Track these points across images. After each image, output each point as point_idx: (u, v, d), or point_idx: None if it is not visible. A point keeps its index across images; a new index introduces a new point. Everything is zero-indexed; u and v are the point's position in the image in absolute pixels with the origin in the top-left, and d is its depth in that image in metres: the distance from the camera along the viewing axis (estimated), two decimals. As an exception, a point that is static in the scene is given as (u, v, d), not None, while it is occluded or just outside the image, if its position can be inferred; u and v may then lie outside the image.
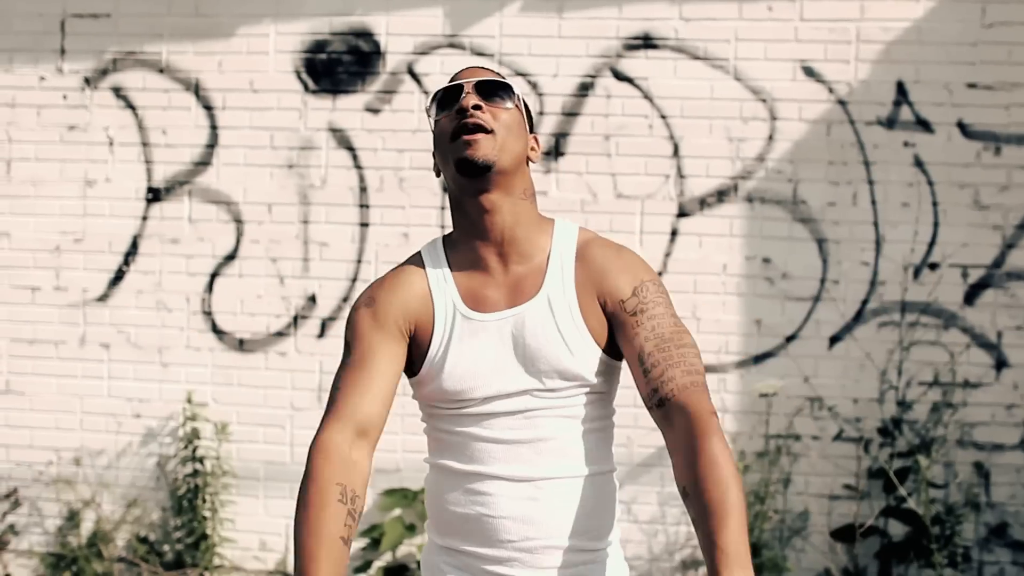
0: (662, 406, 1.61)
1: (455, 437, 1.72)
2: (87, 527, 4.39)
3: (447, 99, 1.74)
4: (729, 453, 1.53)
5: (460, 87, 1.74)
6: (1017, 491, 4.06)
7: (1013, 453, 4.06)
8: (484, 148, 1.68)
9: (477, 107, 1.70)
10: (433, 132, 1.77)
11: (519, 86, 1.83)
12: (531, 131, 1.83)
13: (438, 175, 1.83)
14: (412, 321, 1.73)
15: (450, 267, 1.76)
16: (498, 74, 1.80)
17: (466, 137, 1.68)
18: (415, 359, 1.75)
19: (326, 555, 1.55)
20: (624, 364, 1.75)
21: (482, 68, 1.81)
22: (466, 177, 1.70)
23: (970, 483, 4.04)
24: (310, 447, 1.65)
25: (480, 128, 1.68)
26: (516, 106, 1.76)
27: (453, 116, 1.71)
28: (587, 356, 1.69)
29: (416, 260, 1.80)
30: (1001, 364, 4.05)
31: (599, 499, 1.73)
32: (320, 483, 1.60)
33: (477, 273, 1.74)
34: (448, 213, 4.17)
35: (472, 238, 1.74)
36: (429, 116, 1.78)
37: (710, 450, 1.51)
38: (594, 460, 1.72)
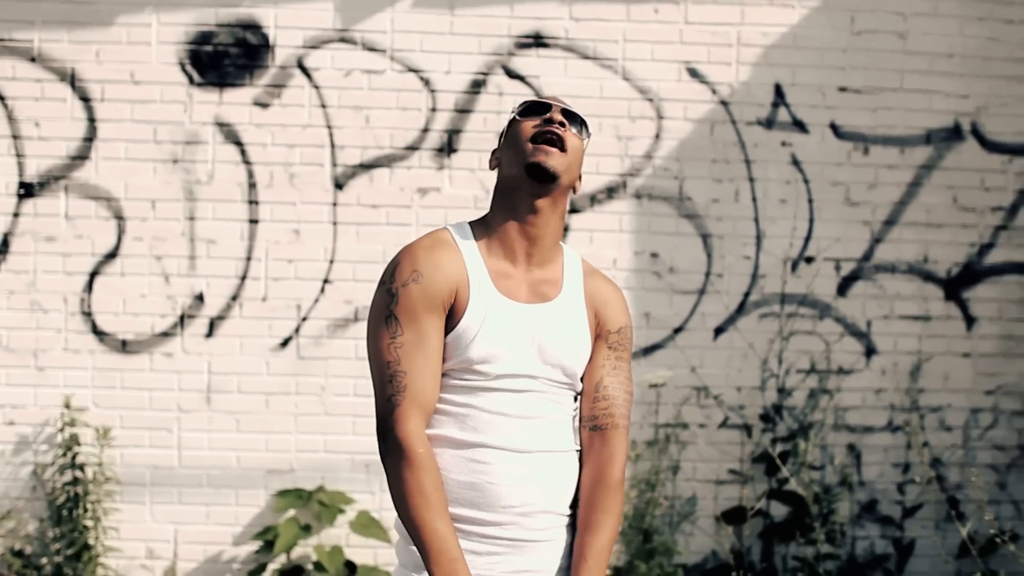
0: (594, 431, 1.95)
1: (460, 408, 1.88)
2: (-45, 542, 4.15)
3: (534, 109, 1.96)
4: (622, 493, 1.94)
5: (549, 105, 1.96)
6: (885, 470, 4.33)
7: (881, 435, 4.33)
8: (556, 161, 1.90)
9: (562, 124, 1.92)
10: (508, 130, 1.98)
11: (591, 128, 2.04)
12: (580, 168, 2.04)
13: (492, 168, 2.01)
14: (453, 293, 1.88)
15: (480, 250, 1.93)
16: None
17: (546, 146, 1.89)
18: (448, 322, 1.89)
19: (452, 531, 1.80)
20: None
21: (567, 103, 2.03)
22: (533, 179, 1.90)
23: (844, 464, 4.29)
24: (400, 435, 1.79)
25: (559, 142, 1.91)
26: (582, 140, 1.98)
27: (539, 123, 1.92)
28: (583, 362, 1.96)
29: (444, 235, 1.95)
30: (870, 351, 4.31)
31: (572, 472, 1.96)
32: (429, 470, 1.81)
33: (504, 261, 1.93)
34: (339, 209, 4.14)
35: (511, 231, 1.93)
36: (513, 114, 1.98)
37: (613, 487, 1.92)
38: (569, 440, 1.96)
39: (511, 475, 1.86)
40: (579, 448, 1.97)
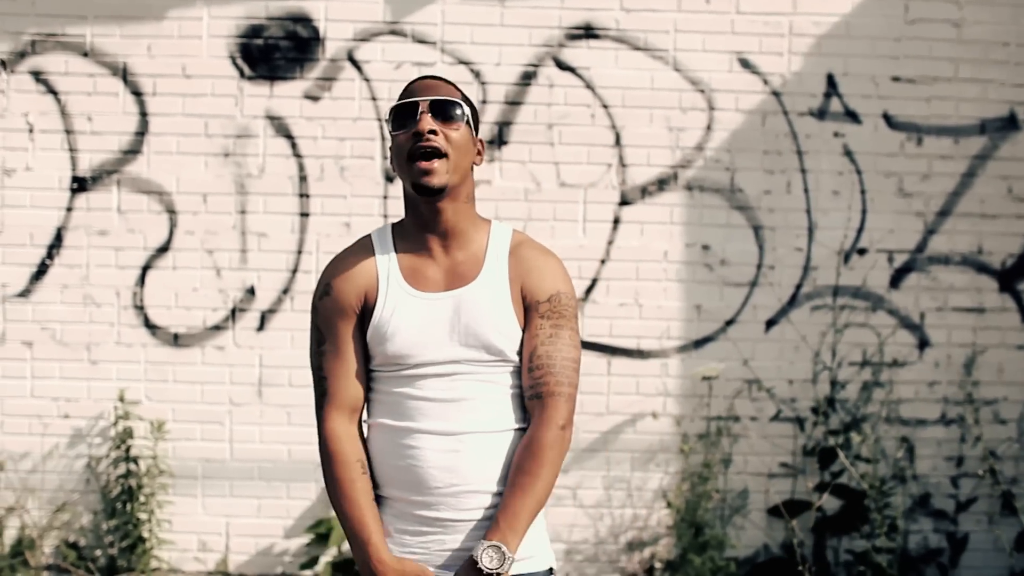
0: (533, 400, 1.96)
1: (391, 397, 1.97)
2: (11, 534, 4.17)
3: (403, 115, 1.95)
4: (552, 457, 1.93)
5: (416, 105, 1.95)
6: (938, 463, 4.29)
7: (935, 428, 4.29)
8: (439, 175, 1.93)
9: (432, 132, 1.92)
10: (391, 141, 2.00)
11: (467, 94, 2.04)
12: (476, 133, 2.05)
13: (394, 170, 2.04)
14: (362, 296, 1.98)
15: (396, 249, 2.01)
16: (449, 83, 2.02)
17: (423, 165, 1.92)
18: (363, 327, 1.99)
19: (372, 518, 1.94)
20: None
21: (435, 80, 2.02)
22: (422, 196, 1.95)
23: (897, 458, 4.25)
24: (322, 434, 1.98)
25: (436, 153, 1.92)
26: (467, 122, 1.98)
27: (410, 137, 1.93)
28: (511, 337, 1.97)
29: (365, 242, 2.05)
30: (924, 344, 4.27)
31: (509, 451, 1.97)
32: (346, 463, 1.95)
33: (421, 256, 2.00)
34: (390, 202, 4.14)
35: (421, 228, 2.00)
36: (387, 125, 2.00)
37: (539, 449, 1.92)
38: (506, 419, 1.98)
39: (437, 458, 1.92)
40: (521, 426, 1.99)
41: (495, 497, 1.94)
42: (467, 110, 1.98)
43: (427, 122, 1.92)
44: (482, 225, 2.04)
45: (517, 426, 1.98)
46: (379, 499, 1.99)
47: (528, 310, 1.98)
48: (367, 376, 2.00)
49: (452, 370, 1.94)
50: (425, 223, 1.99)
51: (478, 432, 1.93)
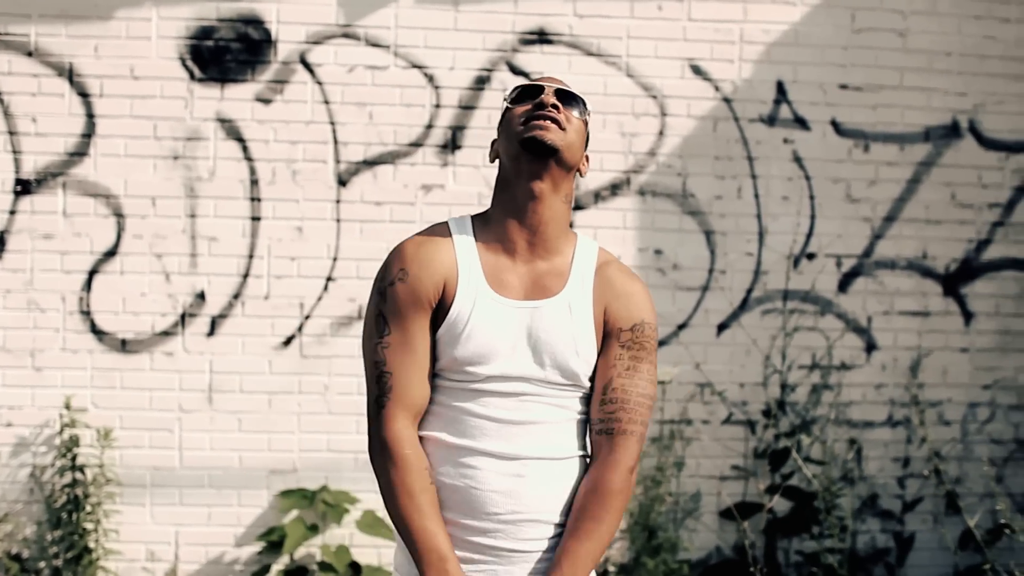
0: (601, 435, 1.83)
1: (450, 411, 1.83)
2: (-50, 546, 4.06)
3: (526, 94, 1.88)
4: (619, 503, 1.82)
5: (541, 88, 1.87)
6: (886, 464, 4.37)
7: (882, 429, 4.36)
8: (553, 134, 1.81)
9: (555, 107, 1.84)
10: (502, 119, 1.90)
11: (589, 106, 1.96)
12: (586, 147, 1.95)
13: (492, 160, 1.94)
14: (440, 287, 1.82)
15: (476, 245, 1.85)
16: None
17: (540, 122, 1.80)
18: (437, 317, 1.83)
19: (445, 534, 1.78)
20: None
21: (560, 79, 1.96)
22: (529, 154, 1.81)
23: (845, 459, 4.32)
24: (386, 436, 1.79)
25: (555, 121, 1.82)
26: (584, 120, 1.90)
27: (531, 107, 1.84)
28: (588, 362, 1.84)
29: (443, 230, 1.89)
30: (871, 347, 4.35)
31: (574, 479, 1.86)
32: (417, 471, 1.79)
33: (503, 256, 1.84)
34: (343, 206, 4.11)
35: (509, 219, 1.84)
36: (505, 102, 1.90)
37: (607, 495, 1.81)
38: (570, 445, 1.86)
39: (498, 482, 1.79)
40: (586, 453, 1.88)
41: (556, 528, 1.83)
42: (588, 107, 1.92)
43: (551, 98, 1.84)
44: (570, 236, 1.90)
45: (581, 453, 1.87)
46: None
47: (608, 336, 1.85)
48: (431, 378, 1.84)
49: (520, 389, 1.80)
50: (518, 210, 1.83)
51: (543, 459, 1.81)
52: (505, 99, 1.91)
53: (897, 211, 4.34)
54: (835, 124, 4.30)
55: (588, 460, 1.89)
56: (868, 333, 4.34)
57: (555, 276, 1.84)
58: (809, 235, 4.30)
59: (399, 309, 1.82)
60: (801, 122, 4.28)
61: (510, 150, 1.85)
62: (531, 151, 1.80)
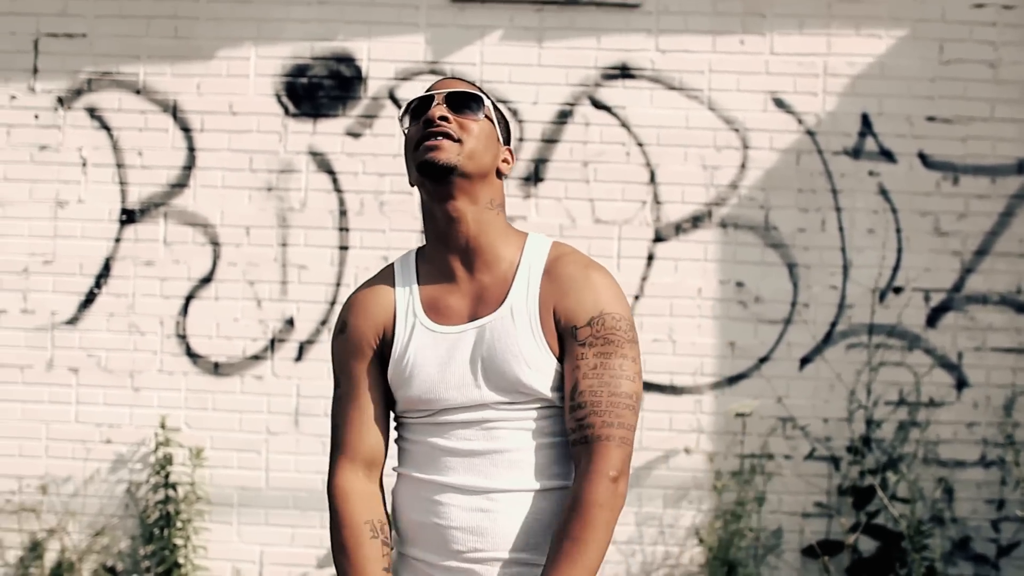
0: (577, 445, 1.66)
1: (416, 446, 1.76)
2: (51, 557, 4.26)
3: (418, 111, 1.76)
4: (603, 517, 1.61)
5: (431, 98, 1.75)
6: (978, 506, 4.22)
7: (974, 469, 4.22)
8: (446, 153, 1.70)
9: (444, 118, 1.72)
10: (404, 145, 1.79)
11: (490, 98, 1.86)
12: (507, 143, 1.85)
13: (412, 185, 1.82)
14: (380, 334, 1.78)
15: (418, 277, 1.78)
16: (471, 84, 1.82)
17: (428, 143, 1.70)
18: (384, 363, 1.79)
19: None
20: None
21: (455, 80, 1.84)
22: (428, 179, 1.71)
23: (935, 499, 4.19)
24: (329, 492, 1.77)
25: (446, 136, 1.71)
26: (487, 117, 1.78)
27: (420, 126, 1.73)
28: (545, 372, 1.70)
29: (387, 271, 1.85)
30: (962, 384, 4.23)
31: (552, 513, 1.71)
32: (352, 526, 1.73)
33: (443, 283, 1.76)
34: (431, 236, 4.22)
35: (440, 246, 1.76)
36: (402, 126, 1.80)
37: (586, 510, 1.61)
38: (549, 474, 1.72)
39: (463, 518, 1.68)
40: (567, 484, 1.72)
41: (524, 567, 1.69)
42: (488, 103, 1.78)
43: (439, 110, 1.72)
44: (514, 239, 1.78)
45: (561, 484, 1.72)
46: (400, 556, 1.78)
47: (564, 337, 1.69)
48: (386, 424, 1.80)
49: (482, 416, 1.69)
50: (443, 235, 1.74)
51: (512, 490, 1.69)
52: (400, 122, 1.81)
53: (989, 245, 4.23)
54: (923, 156, 4.23)
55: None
56: (959, 369, 4.23)
57: (497, 287, 1.74)
58: (896, 269, 4.23)
59: (343, 361, 1.81)
60: (887, 155, 4.23)
61: (414, 177, 1.77)
62: (428, 176, 1.71)
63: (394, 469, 1.83)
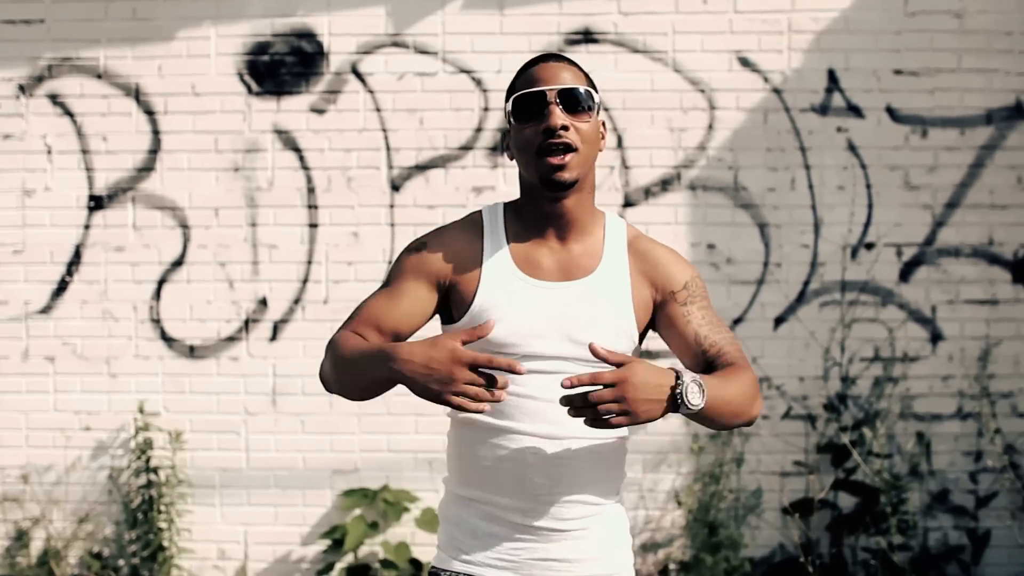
0: (712, 367, 1.81)
1: None
2: (37, 546, 4.29)
3: (528, 104, 1.79)
4: (753, 385, 1.78)
5: (543, 95, 1.78)
6: (956, 458, 4.24)
7: (951, 422, 4.23)
8: (572, 170, 1.78)
9: (565, 128, 1.77)
10: (511, 129, 1.83)
11: (590, 79, 1.86)
12: (599, 115, 1.86)
13: (508, 157, 1.88)
14: (453, 276, 1.83)
15: (507, 232, 1.86)
16: (573, 64, 1.84)
17: (555, 160, 1.76)
18: (454, 310, 1.84)
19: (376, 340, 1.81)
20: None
21: (560, 61, 1.84)
22: (550, 191, 1.80)
23: (912, 453, 4.21)
24: (328, 344, 1.82)
25: (567, 148, 1.77)
26: (595, 110, 1.82)
27: (539, 132, 1.77)
28: (628, 338, 1.83)
29: (476, 219, 1.90)
30: (936, 337, 4.23)
31: (615, 459, 1.87)
32: (345, 340, 1.79)
33: (535, 242, 1.84)
34: (396, 210, 4.20)
35: (536, 216, 1.85)
36: (507, 115, 1.83)
37: (749, 376, 1.79)
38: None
39: (539, 461, 1.78)
40: (626, 434, 1.86)
41: (593, 507, 1.82)
42: (596, 98, 1.83)
43: (558, 117, 1.77)
44: (598, 216, 1.90)
45: (621, 433, 1.85)
46: (465, 500, 1.86)
47: (664, 304, 1.84)
48: (409, 331, 1.85)
49: (560, 368, 1.76)
50: (545, 215, 1.84)
51: (583, 438, 1.78)
52: (507, 111, 1.84)
53: (959, 197, 4.22)
54: (890, 111, 4.21)
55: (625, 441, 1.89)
56: (933, 323, 4.23)
57: (589, 257, 1.85)
58: (867, 224, 4.22)
59: (402, 272, 1.85)
60: (855, 110, 4.21)
61: (531, 176, 1.82)
62: (552, 189, 1.80)
63: (449, 415, 1.89)
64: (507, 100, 1.84)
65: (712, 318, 1.86)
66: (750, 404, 1.77)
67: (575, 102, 1.79)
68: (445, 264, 1.84)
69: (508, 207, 1.90)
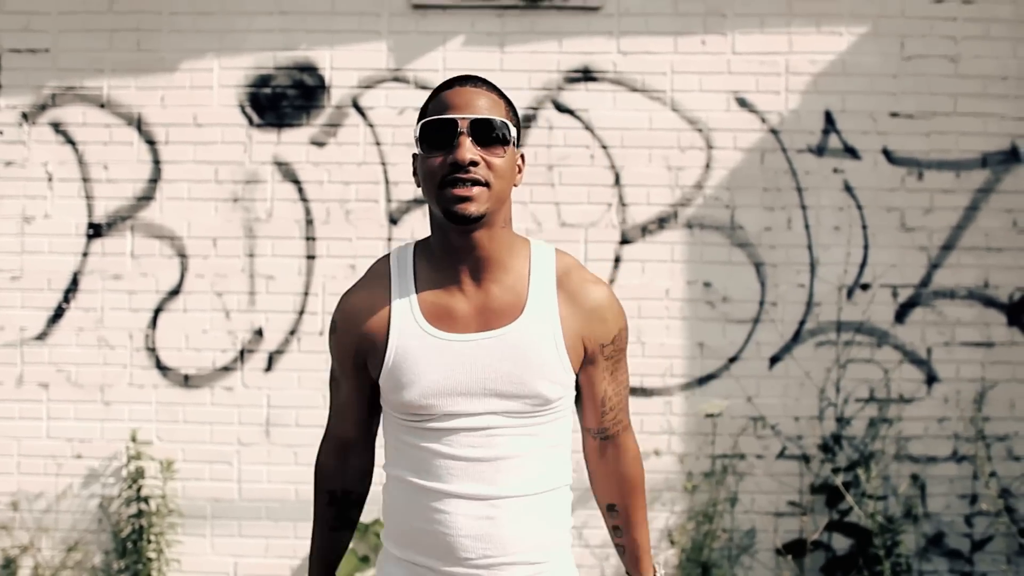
0: (604, 439, 1.86)
1: (416, 451, 1.71)
2: (24, 574, 4.25)
3: (437, 131, 1.64)
4: (643, 487, 1.91)
5: (454, 124, 1.63)
6: (952, 501, 4.22)
7: (946, 465, 4.22)
8: (479, 204, 1.64)
9: (474, 163, 1.62)
10: (418, 158, 1.70)
11: (511, 105, 1.75)
12: (518, 147, 1.73)
13: (419, 185, 1.74)
14: (368, 342, 1.73)
15: (417, 278, 1.72)
16: (491, 88, 1.70)
17: (459, 192, 1.62)
18: (373, 372, 1.76)
19: (320, 565, 1.93)
20: None
21: (475, 86, 1.69)
22: (456, 224, 1.67)
23: (907, 495, 4.19)
24: (316, 465, 1.94)
25: (475, 182, 1.63)
26: (511, 142, 1.67)
27: (445, 164, 1.63)
28: (563, 383, 1.72)
29: (382, 270, 1.77)
30: (932, 379, 4.22)
31: (554, 513, 1.77)
32: (317, 496, 1.90)
33: (447, 289, 1.70)
34: (394, 243, 4.21)
35: (447, 256, 1.71)
36: (416, 142, 1.70)
37: (640, 487, 1.90)
38: (551, 476, 1.75)
39: (469, 525, 1.67)
40: (567, 482, 1.80)
41: (530, 566, 1.71)
42: (513, 131, 1.67)
43: (467, 149, 1.61)
44: (520, 249, 1.73)
45: (562, 483, 1.77)
46: (399, 561, 1.76)
47: (593, 355, 1.74)
48: (363, 412, 1.82)
49: (487, 423, 1.67)
50: (456, 251, 1.69)
51: (518, 496, 1.69)
52: (416, 139, 1.69)
53: (955, 239, 4.23)
54: (887, 153, 4.24)
55: (569, 486, 1.82)
56: (928, 365, 4.22)
57: (511, 298, 1.69)
58: (863, 265, 4.23)
59: (333, 355, 1.84)
60: (851, 151, 4.24)
61: (435, 208, 1.69)
62: (456, 222, 1.65)
63: (384, 468, 1.81)
64: (417, 123, 1.69)
65: (622, 375, 1.83)
66: (643, 489, 1.92)
67: (488, 134, 1.64)
68: (355, 335, 1.74)
69: (419, 246, 1.77)
